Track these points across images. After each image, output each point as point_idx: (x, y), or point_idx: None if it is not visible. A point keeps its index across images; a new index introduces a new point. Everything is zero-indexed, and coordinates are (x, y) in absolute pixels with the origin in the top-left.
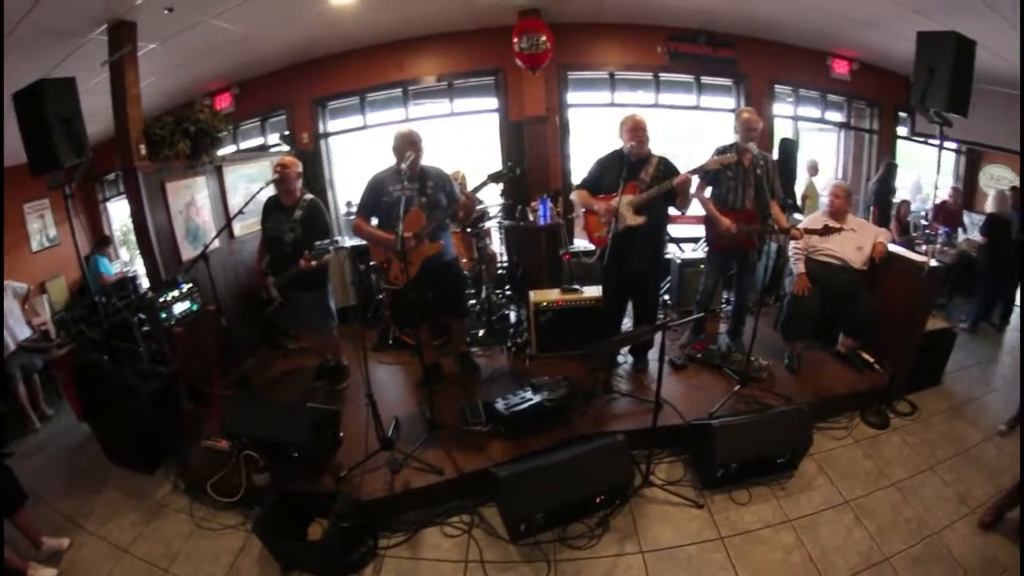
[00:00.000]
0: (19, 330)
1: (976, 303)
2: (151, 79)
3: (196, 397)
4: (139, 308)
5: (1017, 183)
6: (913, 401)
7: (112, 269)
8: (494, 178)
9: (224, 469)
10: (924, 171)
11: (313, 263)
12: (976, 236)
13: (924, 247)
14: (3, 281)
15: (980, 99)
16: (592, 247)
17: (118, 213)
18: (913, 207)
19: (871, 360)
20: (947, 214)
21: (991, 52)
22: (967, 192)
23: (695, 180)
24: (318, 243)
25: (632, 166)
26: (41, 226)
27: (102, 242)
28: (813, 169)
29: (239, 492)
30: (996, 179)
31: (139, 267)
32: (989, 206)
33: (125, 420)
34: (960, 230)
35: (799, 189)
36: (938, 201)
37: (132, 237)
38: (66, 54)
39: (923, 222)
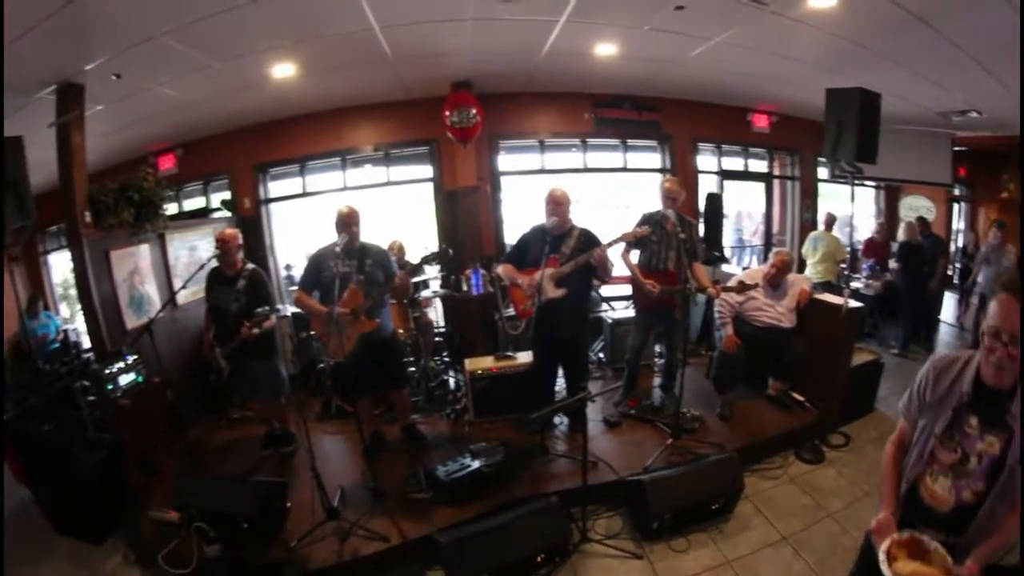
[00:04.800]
0: None
1: (902, 327)
2: (96, 137)
3: (144, 467)
4: (83, 375)
5: (933, 210)
6: (846, 432)
7: (52, 326)
8: (427, 260)
9: (175, 540)
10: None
11: (255, 331)
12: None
13: (844, 287)
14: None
15: (891, 139)
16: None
17: (60, 266)
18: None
19: (801, 399)
20: (874, 248)
21: (897, 96)
22: (890, 223)
23: (621, 246)
24: (257, 310)
25: (555, 239)
26: None
27: (31, 303)
28: (829, 224)
29: (192, 563)
30: (914, 209)
31: (80, 323)
32: (900, 235)
33: (70, 489)
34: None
35: (810, 245)
36: (865, 238)
37: (73, 291)
38: (12, 111)
39: (843, 265)
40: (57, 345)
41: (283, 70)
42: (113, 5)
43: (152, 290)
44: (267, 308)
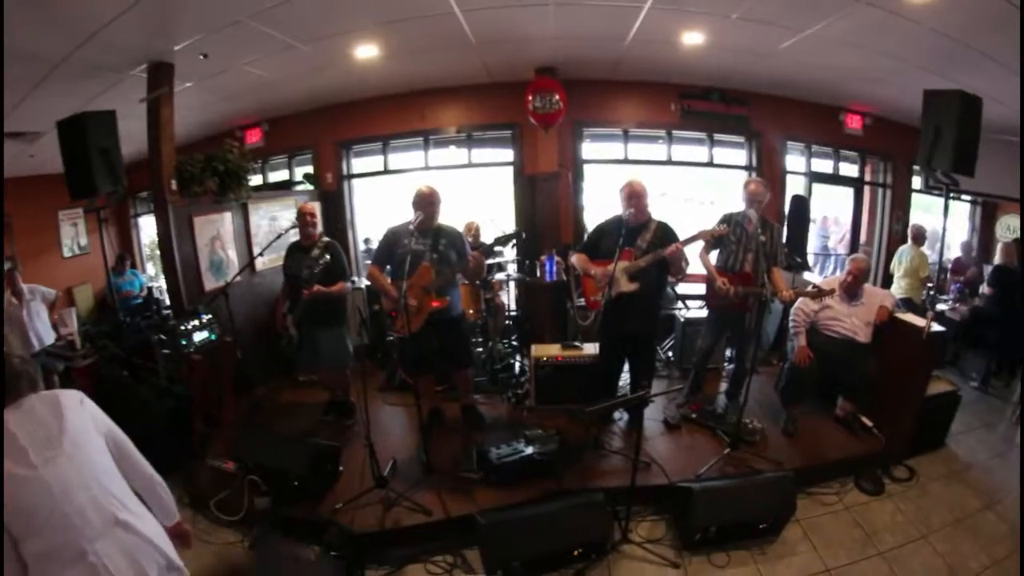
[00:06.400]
0: (45, 333)
1: (985, 359)
2: (186, 111)
3: (208, 419)
4: (161, 329)
5: None
6: (912, 466)
7: (137, 283)
8: (501, 241)
9: (228, 489)
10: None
11: (315, 288)
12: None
13: (928, 309)
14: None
15: (992, 150)
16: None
17: (148, 228)
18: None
19: (870, 424)
20: (961, 269)
21: (1000, 103)
22: (985, 243)
23: (699, 245)
24: (319, 261)
25: (630, 232)
26: (74, 234)
27: (119, 261)
28: (916, 237)
29: (240, 512)
30: (1012, 229)
31: (163, 282)
32: (997, 258)
33: (139, 431)
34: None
35: (896, 259)
36: (953, 257)
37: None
38: (107, 87)
39: (929, 284)
40: (140, 301)
41: (367, 52)
42: None
43: (233, 255)
44: (328, 258)
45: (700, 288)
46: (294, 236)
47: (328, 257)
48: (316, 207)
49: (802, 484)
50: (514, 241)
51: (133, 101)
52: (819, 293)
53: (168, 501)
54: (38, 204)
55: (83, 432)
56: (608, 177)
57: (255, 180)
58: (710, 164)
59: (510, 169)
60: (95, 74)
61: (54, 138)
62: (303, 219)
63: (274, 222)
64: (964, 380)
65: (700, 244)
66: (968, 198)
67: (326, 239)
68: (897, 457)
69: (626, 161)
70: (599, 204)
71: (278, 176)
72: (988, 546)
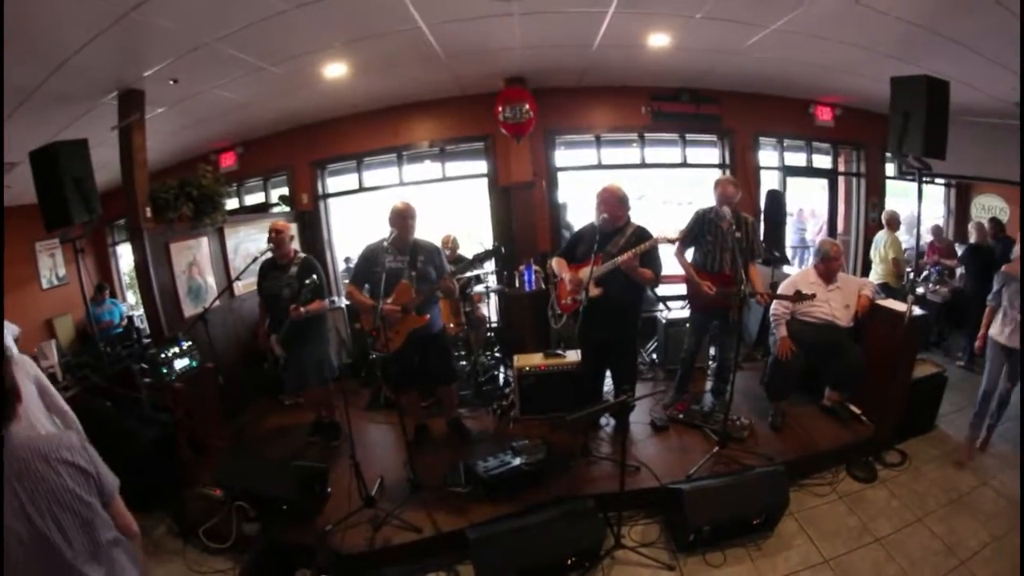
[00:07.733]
0: None
1: (969, 338)
2: (159, 137)
3: (194, 446)
4: (142, 358)
5: (1007, 211)
6: (903, 450)
7: (117, 313)
8: (481, 258)
9: (216, 516)
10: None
11: (303, 310)
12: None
13: (909, 295)
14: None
15: (962, 131)
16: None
17: (127, 256)
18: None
19: (858, 412)
20: (937, 252)
21: (968, 86)
22: (961, 223)
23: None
24: (306, 281)
25: (604, 236)
26: (52, 265)
27: (98, 291)
28: (890, 223)
29: (230, 539)
30: (988, 209)
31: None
32: (971, 237)
33: (125, 462)
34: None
35: (873, 246)
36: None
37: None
38: (79, 116)
39: (908, 269)
40: (120, 330)
41: (336, 70)
42: (166, 16)
43: (211, 280)
44: (315, 278)
45: (680, 289)
46: (268, 255)
47: (315, 277)
48: (292, 227)
49: (794, 477)
50: (492, 258)
51: (105, 129)
52: (799, 298)
53: (72, 422)
54: (14, 236)
55: (21, 380)
56: (584, 183)
57: (231, 204)
58: (684, 164)
59: (484, 181)
60: (66, 103)
61: (28, 168)
62: (276, 236)
63: (248, 244)
64: (950, 360)
65: (674, 249)
66: (942, 181)
67: (301, 255)
68: (888, 443)
69: (600, 167)
70: (576, 212)
71: (254, 199)
72: (987, 523)
